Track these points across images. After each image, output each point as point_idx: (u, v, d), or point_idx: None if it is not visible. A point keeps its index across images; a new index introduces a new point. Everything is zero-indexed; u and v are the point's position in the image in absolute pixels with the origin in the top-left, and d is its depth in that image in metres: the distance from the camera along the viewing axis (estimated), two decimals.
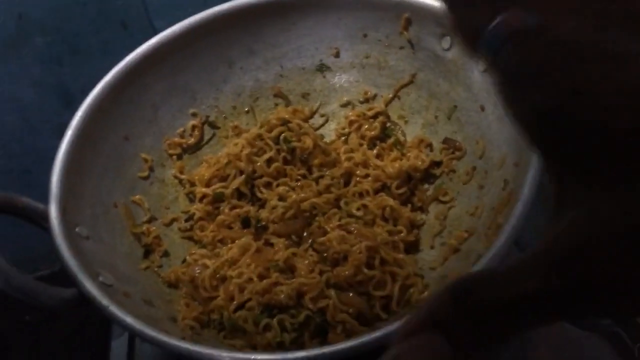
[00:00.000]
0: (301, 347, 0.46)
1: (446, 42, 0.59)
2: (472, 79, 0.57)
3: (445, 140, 0.59)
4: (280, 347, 0.45)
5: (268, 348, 0.45)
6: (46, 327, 0.74)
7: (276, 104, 0.67)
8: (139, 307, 0.47)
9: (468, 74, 0.57)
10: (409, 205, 0.56)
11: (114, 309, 0.42)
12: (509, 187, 0.48)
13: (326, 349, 0.39)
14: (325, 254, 0.50)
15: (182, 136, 0.63)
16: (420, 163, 0.57)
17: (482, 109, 0.55)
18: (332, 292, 0.47)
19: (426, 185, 0.59)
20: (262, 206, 0.57)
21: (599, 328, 0.49)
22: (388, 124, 0.63)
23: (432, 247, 0.54)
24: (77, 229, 0.49)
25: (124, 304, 0.44)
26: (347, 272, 0.48)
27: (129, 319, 0.41)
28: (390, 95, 0.64)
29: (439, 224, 0.55)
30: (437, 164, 0.59)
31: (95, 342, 0.70)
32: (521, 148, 0.48)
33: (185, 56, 0.63)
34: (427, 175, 0.59)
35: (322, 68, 0.66)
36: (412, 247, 0.54)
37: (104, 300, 0.42)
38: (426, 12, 0.59)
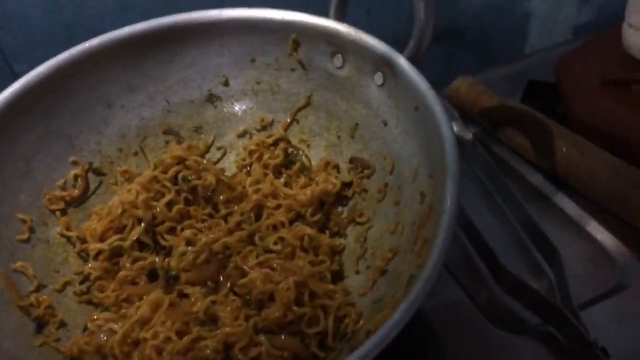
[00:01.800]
0: None
1: (338, 60, 0.58)
2: (369, 95, 0.56)
3: (352, 160, 0.57)
4: None
5: None
6: None
7: (167, 142, 0.62)
8: None
9: (365, 90, 0.56)
10: (327, 232, 0.54)
11: None
12: (427, 200, 0.47)
13: None
14: (248, 297, 0.46)
15: (63, 188, 0.56)
16: (331, 187, 0.55)
17: (385, 123, 0.54)
18: (262, 338, 0.43)
19: (340, 208, 0.56)
20: (168, 254, 0.52)
21: (530, 330, 0.49)
22: (290, 150, 0.60)
23: (357, 272, 0.51)
24: None
25: None
26: (276, 314, 0.44)
27: None
28: (288, 120, 0.61)
29: (359, 247, 0.53)
30: (348, 185, 0.57)
31: None
32: (433, 159, 0.47)
33: (56, 100, 0.57)
34: (339, 197, 0.56)
35: (212, 98, 0.62)
36: (336, 275, 0.51)
37: None
38: (314, 32, 0.57)
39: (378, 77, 0.55)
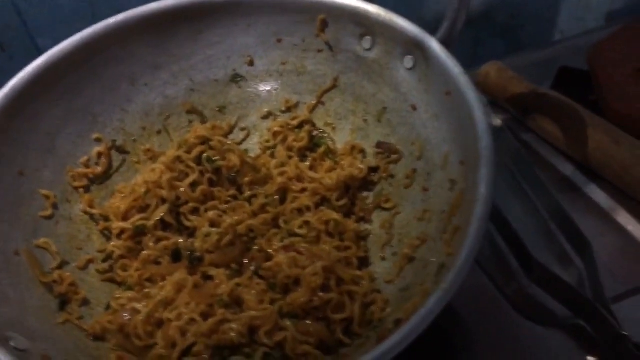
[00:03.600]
0: None
1: (367, 42, 0.56)
2: (398, 79, 0.55)
3: (379, 144, 0.56)
4: None
5: None
6: None
7: (190, 121, 0.61)
8: None
9: (394, 74, 0.55)
10: (352, 217, 0.53)
11: None
12: (458, 187, 0.46)
13: None
14: (273, 281, 0.46)
15: (87, 165, 0.56)
16: (357, 172, 0.54)
17: (414, 108, 0.53)
18: (288, 323, 0.43)
19: (365, 193, 0.55)
20: (192, 235, 0.51)
21: (559, 322, 0.48)
22: (315, 133, 0.59)
23: (383, 259, 0.50)
24: None
25: None
26: (302, 299, 0.43)
27: None
28: (314, 102, 0.60)
29: (385, 233, 0.52)
30: (374, 169, 0.56)
31: None
32: (465, 146, 0.46)
33: (80, 76, 0.56)
34: (365, 182, 0.55)
35: (236, 78, 0.61)
36: (362, 262, 0.50)
37: None
38: (343, 12, 0.56)
39: (408, 61, 0.53)
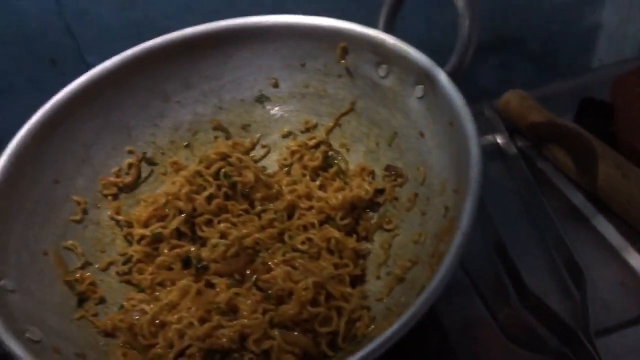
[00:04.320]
0: None
1: (383, 70, 0.59)
2: (409, 106, 0.57)
3: (388, 168, 0.58)
4: None
5: None
6: None
7: (216, 137, 0.65)
8: None
9: (406, 101, 0.57)
10: (354, 235, 0.55)
11: None
12: (450, 214, 0.48)
13: None
14: (269, 292, 0.49)
15: (117, 175, 0.61)
16: (363, 193, 0.56)
17: (422, 135, 0.55)
18: (276, 333, 0.46)
19: (370, 213, 0.58)
20: (204, 245, 0.55)
21: (548, 349, 0.49)
22: (330, 153, 0.62)
23: (378, 278, 0.53)
24: (1, 282, 0.46)
25: None
26: (291, 311, 0.46)
27: None
28: (331, 124, 0.63)
29: (383, 253, 0.54)
30: (380, 191, 0.58)
31: None
32: (460, 174, 0.48)
33: (118, 92, 0.61)
34: (371, 203, 0.58)
35: (261, 99, 0.65)
36: (358, 279, 0.53)
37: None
38: (361, 41, 0.59)
39: (419, 90, 0.55)
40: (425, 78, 0.54)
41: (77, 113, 0.59)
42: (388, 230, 0.55)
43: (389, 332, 0.37)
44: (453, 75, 0.53)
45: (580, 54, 0.89)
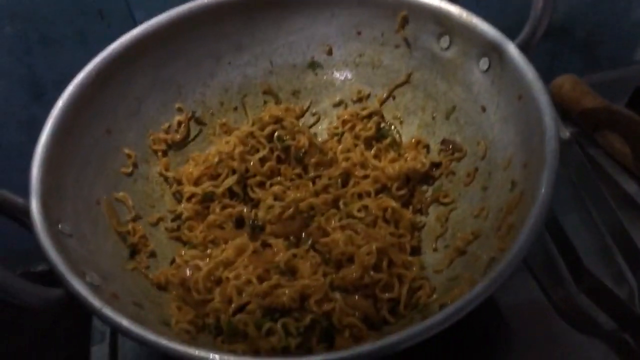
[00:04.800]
0: (308, 352, 0.43)
1: (445, 41, 0.57)
2: (471, 80, 0.56)
3: (444, 142, 0.58)
4: (285, 352, 0.42)
5: (272, 353, 0.42)
6: (14, 328, 0.68)
7: (265, 102, 0.64)
8: (129, 309, 0.43)
9: (467, 74, 0.56)
10: (410, 207, 0.55)
11: (108, 311, 0.38)
12: (518, 189, 0.47)
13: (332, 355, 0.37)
14: (328, 255, 0.48)
15: (167, 132, 0.60)
16: (420, 165, 0.55)
17: (484, 109, 0.54)
18: (337, 295, 0.45)
19: (425, 187, 0.57)
20: (255, 206, 0.55)
21: (604, 333, 0.49)
22: (382, 124, 0.61)
23: (435, 250, 0.52)
24: (59, 226, 0.45)
25: (114, 306, 0.40)
26: (354, 275, 0.45)
27: (125, 322, 0.38)
28: (385, 95, 0.62)
29: (440, 226, 0.53)
30: (436, 165, 0.57)
31: (68, 347, 0.65)
32: (530, 149, 0.47)
33: (170, 49, 0.60)
34: (426, 176, 0.57)
35: (313, 65, 0.64)
36: (414, 250, 0.52)
37: (95, 301, 0.39)
38: (424, 11, 0.58)
39: (484, 63, 0.54)
40: (493, 50, 0.53)
41: (128, 67, 0.58)
42: (444, 204, 0.54)
43: (469, 295, 0.36)
44: (523, 48, 0.52)
45: (625, 47, 0.88)
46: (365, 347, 0.36)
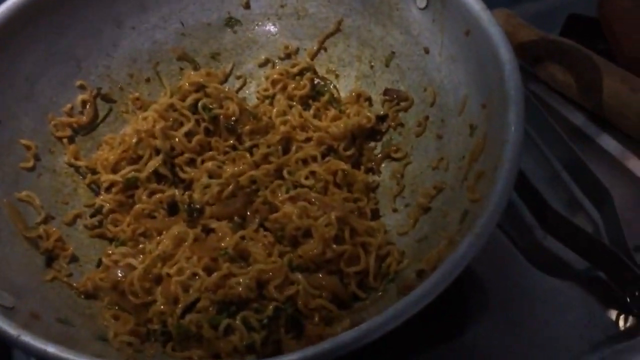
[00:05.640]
0: (276, 345, 0.37)
1: None
2: (409, 20, 0.51)
3: (387, 92, 0.53)
4: (250, 350, 0.37)
5: (235, 354, 0.36)
6: None
7: (181, 69, 0.57)
8: (54, 329, 0.36)
9: (404, 14, 0.51)
10: (360, 168, 0.50)
11: (27, 338, 0.31)
12: (479, 131, 0.43)
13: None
14: (281, 233, 0.42)
15: (70, 114, 0.52)
16: (365, 121, 0.50)
17: (426, 51, 0.50)
18: (299, 276, 0.40)
19: (372, 143, 0.52)
20: (188, 188, 0.48)
21: (576, 274, 0.46)
22: (317, 81, 0.56)
23: (394, 210, 0.47)
24: None
25: (35, 329, 0.33)
26: (314, 251, 0.40)
27: (51, 348, 0.31)
28: (315, 48, 0.56)
29: (396, 184, 0.49)
30: (381, 118, 0.52)
31: None
32: (487, 87, 0.43)
33: (61, 15, 0.52)
34: (372, 132, 0.52)
35: (230, 22, 0.57)
36: (372, 214, 0.47)
37: (10, 328, 0.31)
38: None
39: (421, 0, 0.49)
40: None
41: (13, 40, 0.50)
42: (397, 160, 0.50)
43: (453, 257, 0.32)
44: None
45: None
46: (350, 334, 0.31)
